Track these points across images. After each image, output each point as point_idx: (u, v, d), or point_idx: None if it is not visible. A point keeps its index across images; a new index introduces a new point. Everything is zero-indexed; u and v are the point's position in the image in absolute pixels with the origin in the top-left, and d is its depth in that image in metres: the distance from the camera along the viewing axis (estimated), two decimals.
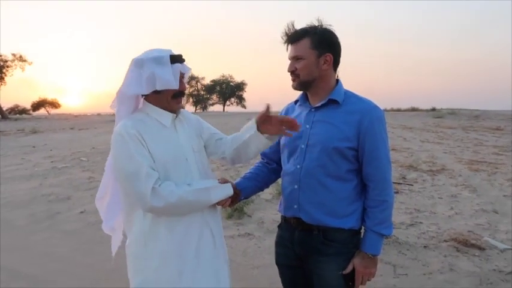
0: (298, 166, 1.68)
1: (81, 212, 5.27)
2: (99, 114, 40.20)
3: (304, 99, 1.77)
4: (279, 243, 1.86)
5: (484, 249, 3.70)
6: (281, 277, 1.88)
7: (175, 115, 1.69)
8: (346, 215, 1.64)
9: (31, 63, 36.97)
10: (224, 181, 1.71)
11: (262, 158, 1.99)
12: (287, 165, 1.77)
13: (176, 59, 1.60)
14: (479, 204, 5.24)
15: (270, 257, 3.66)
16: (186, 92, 1.83)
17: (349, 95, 1.68)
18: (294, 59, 1.66)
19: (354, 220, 1.65)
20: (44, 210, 5.42)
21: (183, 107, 1.76)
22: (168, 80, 1.55)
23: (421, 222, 4.52)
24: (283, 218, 1.84)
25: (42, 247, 4.09)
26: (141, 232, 1.61)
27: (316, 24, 1.66)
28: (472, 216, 4.76)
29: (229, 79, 53.56)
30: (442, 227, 4.36)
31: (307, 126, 1.69)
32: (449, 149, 10.08)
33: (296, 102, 1.84)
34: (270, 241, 4.03)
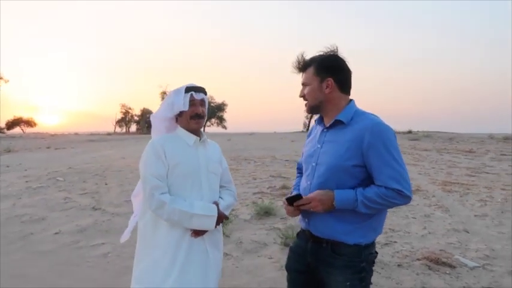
0: (309, 182, 1.80)
1: (56, 233, 5.16)
2: (76, 134, 39.48)
3: (320, 119, 1.89)
4: (293, 250, 1.96)
5: (454, 267, 3.82)
6: (288, 281, 1.96)
7: (198, 138, 2.14)
8: (351, 231, 1.69)
9: (7, 81, 36.31)
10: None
11: (299, 173, 2.14)
12: (302, 181, 1.90)
13: (190, 89, 2.09)
14: (451, 223, 5.41)
15: (248, 277, 3.68)
16: None
17: (358, 114, 1.76)
18: (303, 85, 1.84)
19: (358, 236, 1.70)
20: (17, 231, 5.28)
21: (199, 128, 2.17)
22: (178, 104, 2.06)
23: (395, 242, 4.63)
24: (301, 228, 1.94)
25: (15, 269, 3.98)
26: (152, 219, 2.04)
27: (326, 51, 1.80)
28: (444, 235, 4.91)
29: (209, 100, 53.70)
30: (415, 246, 4.48)
31: (319, 145, 1.82)
32: (424, 171, 10.36)
33: (316, 122, 1.96)
34: (248, 261, 4.06)
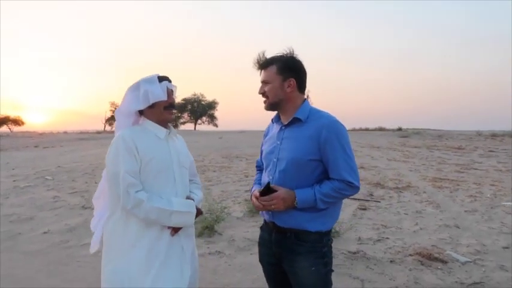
0: (271, 177, 1.89)
1: (45, 233, 5.08)
2: (65, 132, 38.98)
3: (278, 118, 1.98)
4: (261, 243, 2.07)
5: (446, 262, 3.84)
6: (264, 273, 2.08)
7: (168, 131, 2.06)
8: (313, 219, 1.80)
9: None
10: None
11: (258, 171, 2.22)
12: (264, 177, 1.99)
13: (163, 78, 2.01)
14: (442, 219, 5.45)
15: (240, 275, 3.65)
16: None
17: (313, 112, 1.87)
18: (263, 83, 1.90)
19: (319, 224, 1.81)
20: (4, 231, 5.18)
21: (173, 119, 2.04)
22: (158, 94, 1.95)
23: (387, 238, 4.64)
24: (264, 221, 2.04)
25: (3, 269, 3.90)
26: (122, 218, 1.92)
27: (285, 52, 1.88)
28: (435, 231, 4.94)
29: (200, 98, 53.58)
30: (407, 241, 4.50)
31: (278, 142, 1.91)
32: (415, 167, 10.44)
33: (273, 120, 2.05)
34: (241, 259, 4.03)
